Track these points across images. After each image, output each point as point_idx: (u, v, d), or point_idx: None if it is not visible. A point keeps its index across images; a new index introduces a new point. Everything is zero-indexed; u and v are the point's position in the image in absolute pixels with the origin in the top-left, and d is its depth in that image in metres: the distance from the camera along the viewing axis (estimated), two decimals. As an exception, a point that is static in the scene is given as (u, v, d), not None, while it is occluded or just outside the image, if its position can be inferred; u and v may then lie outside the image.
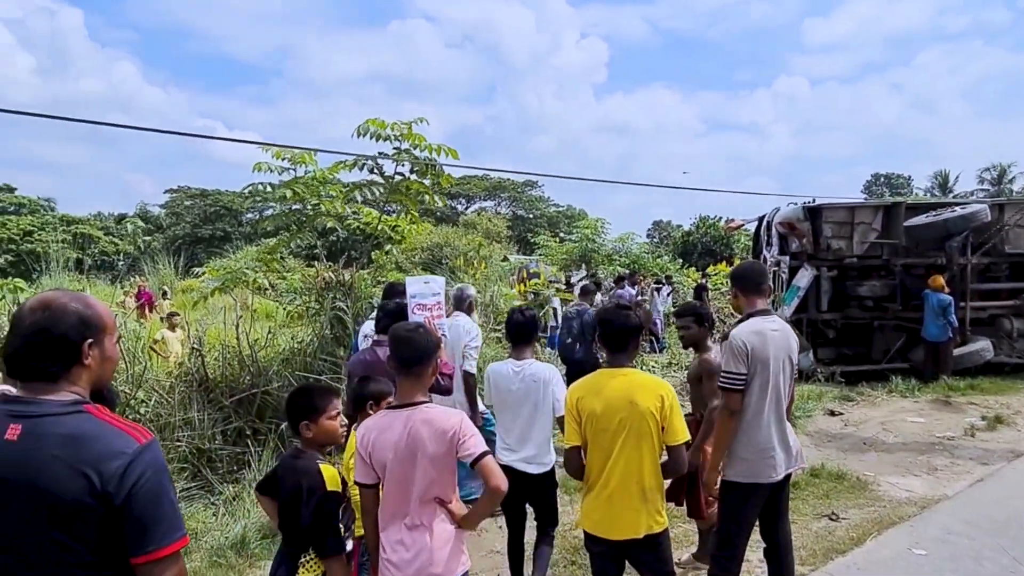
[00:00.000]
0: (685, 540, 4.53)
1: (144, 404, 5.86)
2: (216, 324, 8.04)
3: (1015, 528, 4.68)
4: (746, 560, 3.48)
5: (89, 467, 1.47)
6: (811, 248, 10.45)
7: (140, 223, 42.65)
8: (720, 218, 33.45)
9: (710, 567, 3.46)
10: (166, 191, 51.54)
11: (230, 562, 4.33)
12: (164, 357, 8.06)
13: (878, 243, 10.50)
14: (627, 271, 18.27)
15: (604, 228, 24.35)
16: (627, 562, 3.01)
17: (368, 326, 5.35)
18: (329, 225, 8.00)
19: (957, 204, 11.14)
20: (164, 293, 15.54)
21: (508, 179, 52.44)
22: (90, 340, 1.60)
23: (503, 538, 4.40)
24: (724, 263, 22.41)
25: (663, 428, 2.81)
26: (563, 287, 14.76)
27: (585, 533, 3.02)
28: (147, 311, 13.40)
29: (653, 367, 10.41)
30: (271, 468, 2.99)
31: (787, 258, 10.56)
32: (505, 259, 19.30)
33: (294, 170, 7.25)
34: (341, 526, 2.55)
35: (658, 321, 13.56)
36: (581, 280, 18.22)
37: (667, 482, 3.22)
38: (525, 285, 14.24)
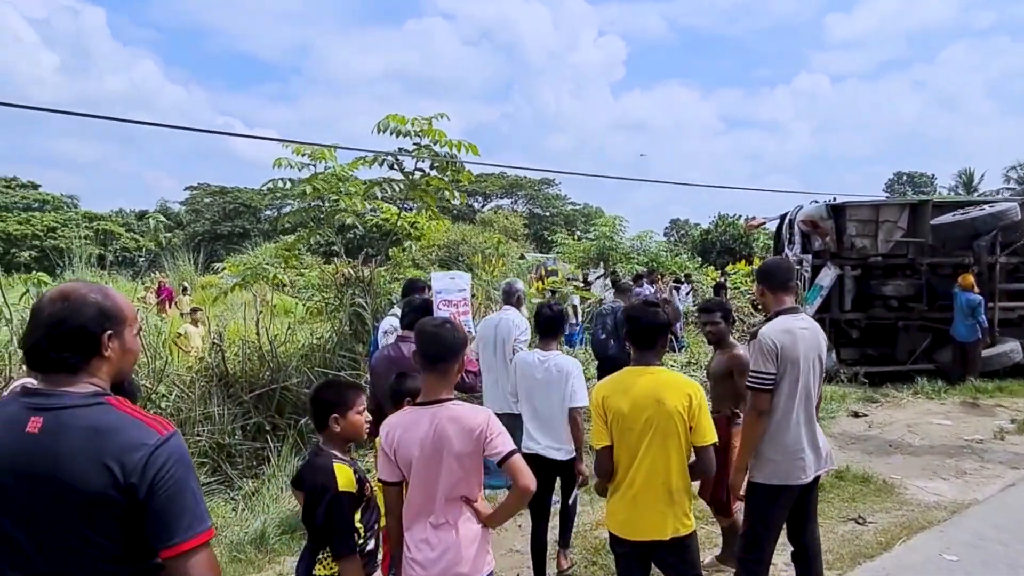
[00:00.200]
0: (708, 542, 4.44)
1: (165, 398, 5.89)
2: (236, 320, 8.09)
3: (1050, 535, 4.55)
4: (772, 564, 3.40)
5: (112, 459, 1.44)
6: (834, 247, 10.32)
7: (161, 219, 43.16)
8: (739, 216, 33.12)
9: (736, 570, 3.39)
10: (186, 188, 52.11)
11: (250, 557, 4.35)
12: (186, 352, 8.12)
13: (903, 242, 10.36)
14: (645, 269, 18.13)
15: (622, 226, 24.23)
16: (653, 564, 2.96)
17: (388, 322, 5.32)
18: (348, 222, 8.01)
19: (985, 202, 10.92)
20: (184, 289, 15.65)
21: (525, 177, 52.39)
22: (110, 331, 1.57)
23: (523, 537, 4.37)
24: (743, 262, 22.14)
25: (691, 428, 2.75)
26: (581, 285, 14.68)
27: (610, 533, 2.97)
28: (167, 306, 13.52)
29: (673, 366, 10.29)
30: (303, 462, 3.01)
31: (810, 256, 10.39)
32: (522, 257, 19.27)
33: (314, 166, 7.26)
34: (361, 526, 2.52)
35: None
36: (599, 278, 18.15)
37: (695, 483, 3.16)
38: (543, 283, 14.17)
